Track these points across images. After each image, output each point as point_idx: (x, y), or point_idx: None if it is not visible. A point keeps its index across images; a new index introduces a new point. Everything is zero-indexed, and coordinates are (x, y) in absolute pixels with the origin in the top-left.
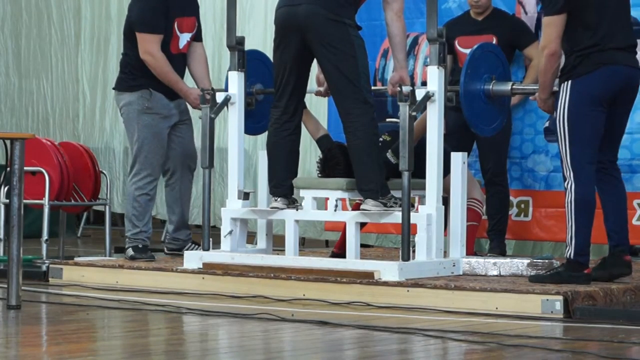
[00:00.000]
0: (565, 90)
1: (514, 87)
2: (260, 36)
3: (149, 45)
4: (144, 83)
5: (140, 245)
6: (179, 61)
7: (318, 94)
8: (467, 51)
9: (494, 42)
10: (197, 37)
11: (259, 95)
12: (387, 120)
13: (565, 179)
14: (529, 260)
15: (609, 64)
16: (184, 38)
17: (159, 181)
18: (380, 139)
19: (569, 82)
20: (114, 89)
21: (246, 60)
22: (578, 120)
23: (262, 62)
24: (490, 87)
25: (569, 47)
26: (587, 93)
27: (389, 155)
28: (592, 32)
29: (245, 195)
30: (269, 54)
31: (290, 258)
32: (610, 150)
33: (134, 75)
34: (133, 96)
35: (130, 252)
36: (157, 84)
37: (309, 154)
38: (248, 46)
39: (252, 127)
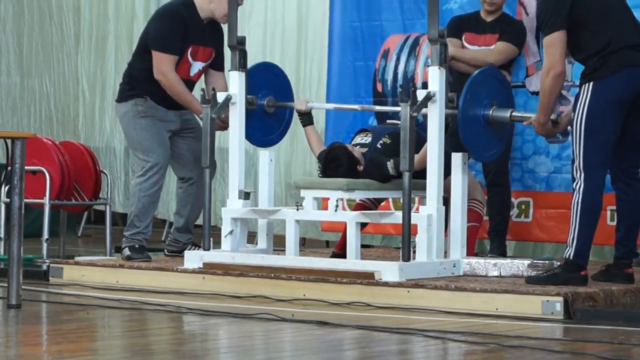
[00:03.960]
0: (586, 92)
1: (513, 114)
2: (261, 36)
3: (163, 65)
4: (139, 92)
5: (136, 245)
6: (187, 88)
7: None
8: (471, 47)
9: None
10: (219, 67)
11: (270, 108)
12: (388, 122)
13: (574, 180)
14: (529, 261)
15: (631, 66)
16: (196, 66)
17: (169, 183)
18: (381, 142)
19: (591, 83)
20: (116, 101)
21: (257, 71)
22: (596, 122)
23: (274, 74)
24: (490, 112)
25: (584, 54)
26: (608, 95)
27: (389, 166)
28: (602, 33)
29: (245, 195)
30: (269, 53)
31: (291, 258)
32: (633, 156)
33: (130, 85)
34: (127, 105)
35: (126, 251)
36: (153, 94)
37: (310, 155)
38: (248, 46)
39: (261, 139)
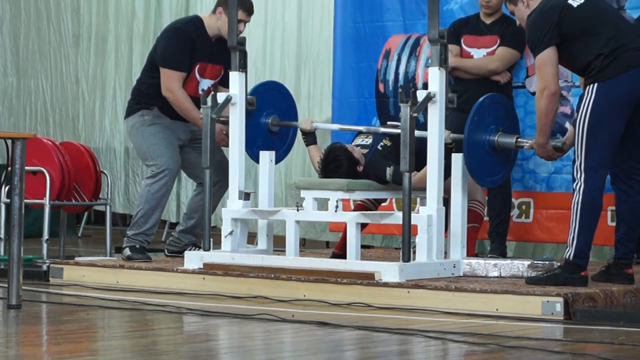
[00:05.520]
0: (590, 93)
1: (518, 140)
2: (260, 37)
3: (170, 82)
4: (145, 106)
5: (137, 246)
6: (195, 104)
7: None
8: (471, 50)
9: (498, 42)
10: (228, 84)
11: (274, 127)
12: (388, 123)
13: (574, 180)
14: (529, 262)
15: (637, 67)
16: (205, 84)
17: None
18: (381, 143)
19: (595, 84)
20: (124, 118)
21: (262, 91)
22: (600, 123)
23: (279, 92)
24: (496, 138)
25: (584, 60)
26: (613, 96)
27: (388, 173)
28: (600, 37)
29: (245, 196)
30: (269, 54)
31: (291, 259)
32: (635, 156)
33: (138, 100)
34: (134, 117)
35: (127, 251)
36: (160, 108)
37: None
38: (248, 46)
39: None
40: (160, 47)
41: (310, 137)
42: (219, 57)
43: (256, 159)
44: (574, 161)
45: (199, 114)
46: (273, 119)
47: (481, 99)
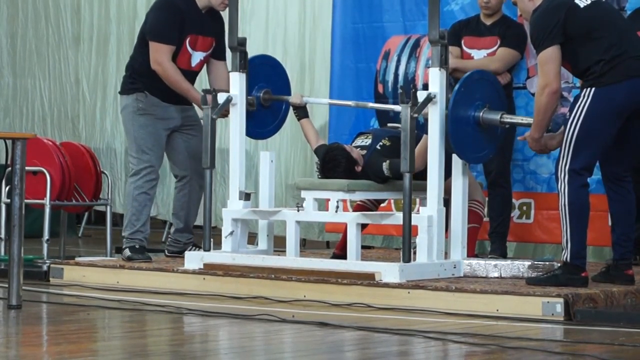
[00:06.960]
0: (586, 96)
1: (503, 116)
2: (262, 37)
3: (159, 55)
4: (140, 86)
5: (137, 246)
6: (188, 78)
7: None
8: (471, 51)
9: (498, 43)
10: (220, 56)
11: (266, 101)
12: (389, 125)
13: (557, 179)
14: (530, 263)
15: (637, 76)
16: (197, 56)
17: (169, 185)
18: (380, 143)
19: (593, 89)
20: (119, 92)
21: (256, 64)
22: (592, 128)
23: (272, 67)
24: (481, 114)
25: (585, 63)
26: (610, 103)
27: (385, 167)
28: (603, 40)
29: (246, 196)
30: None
31: (291, 259)
32: (627, 159)
33: (132, 78)
34: (129, 99)
35: (127, 252)
36: (153, 88)
37: (311, 155)
38: (249, 47)
39: (254, 131)
40: (149, 20)
41: (301, 111)
42: (209, 28)
43: (247, 132)
44: (558, 159)
45: (189, 86)
46: (265, 92)
47: (469, 72)
